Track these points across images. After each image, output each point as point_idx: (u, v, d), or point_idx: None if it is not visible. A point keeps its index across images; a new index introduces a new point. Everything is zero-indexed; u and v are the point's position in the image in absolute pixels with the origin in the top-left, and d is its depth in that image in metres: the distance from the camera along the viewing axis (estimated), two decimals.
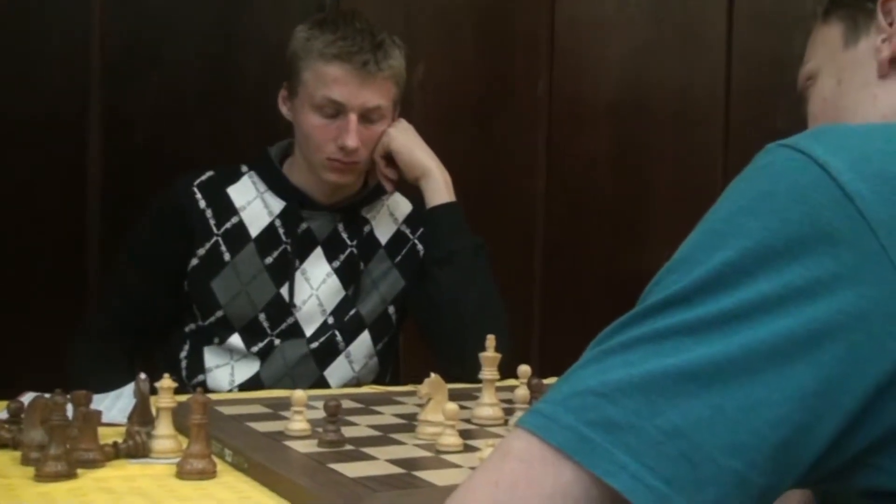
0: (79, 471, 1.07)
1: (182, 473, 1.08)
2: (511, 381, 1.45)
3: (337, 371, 1.77)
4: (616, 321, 0.70)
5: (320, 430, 1.16)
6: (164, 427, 1.17)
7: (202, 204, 1.72)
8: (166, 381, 1.18)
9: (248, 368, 1.74)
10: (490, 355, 1.32)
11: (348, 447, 1.15)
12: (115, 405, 1.42)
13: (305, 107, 1.69)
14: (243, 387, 1.73)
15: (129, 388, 1.51)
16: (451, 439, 1.15)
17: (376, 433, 1.21)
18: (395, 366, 1.94)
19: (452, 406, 1.16)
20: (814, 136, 0.70)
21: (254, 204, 1.74)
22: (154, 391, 1.19)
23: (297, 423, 1.21)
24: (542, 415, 0.66)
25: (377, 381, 1.85)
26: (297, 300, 1.73)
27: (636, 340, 0.67)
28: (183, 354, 1.80)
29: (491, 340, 1.33)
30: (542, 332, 2.51)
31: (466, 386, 1.45)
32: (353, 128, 1.66)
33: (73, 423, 1.12)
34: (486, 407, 1.31)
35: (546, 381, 1.35)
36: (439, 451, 1.14)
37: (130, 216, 1.83)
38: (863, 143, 0.69)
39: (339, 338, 1.77)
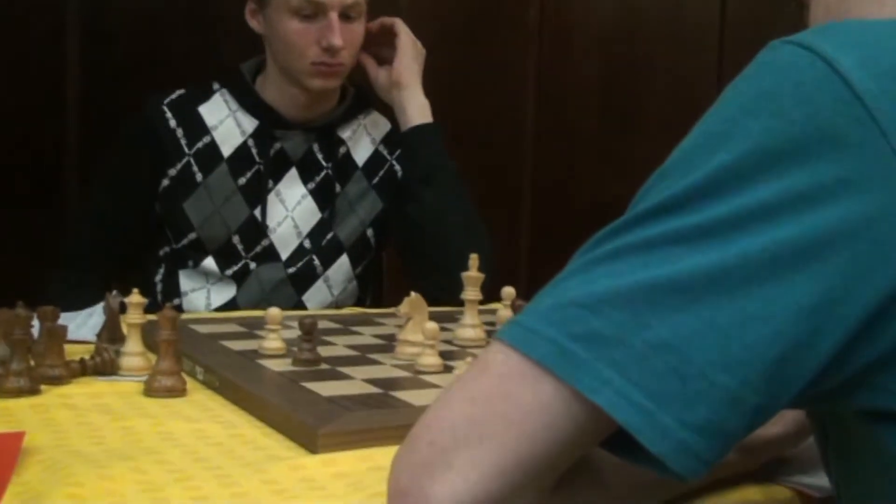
0: (43, 387, 1.02)
1: (150, 391, 1.03)
2: (495, 305, 1.40)
3: (315, 295, 1.73)
4: (604, 229, 0.65)
5: (295, 349, 1.11)
6: (133, 344, 1.12)
7: (172, 123, 1.66)
8: (136, 297, 1.12)
9: (224, 292, 1.69)
10: (473, 275, 1.27)
11: (324, 366, 1.10)
12: (86, 323, 1.37)
13: (282, 13, 1.62)
14: (220, 311, 1.68)
15: (101, 307, 1.46)
16: (431, 359, 1.11)
17: (354, 353, 1.17)
18: (377, 289, 1.90)
19: (432, 325, 1.11)
20: (821, 32, 0.64)
21: (226, 123, 1.68)
22: (124, 309, 1.14)
23: (272, 342, 1.16)
24: (522, 327, 0.61)
25: (357, 305, 1.81)
26: (271, 222, 1.68)
27: (624, 249, 0.62)
28: (158, 278, 1.75)
29: (474, 260, 1.28)
30: (530, 258, 2.47)
31: (448, 308, 1.40)
32: (335, 26, 1.59)
33: (38, 340, 1.08)
34: (468, 328, 1.26)
35: None
36: (418, 371, 1.10)
37: (109, 136, 1.77)
38: (875, 38, 0.63)
39: (316, 262, 1.72)
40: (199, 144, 1.66)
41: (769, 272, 0.59)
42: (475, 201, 1.70)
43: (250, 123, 1.68)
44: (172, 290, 1.73)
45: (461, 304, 1.28)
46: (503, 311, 1.24)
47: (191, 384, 1.06)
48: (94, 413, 0.96)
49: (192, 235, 1.68)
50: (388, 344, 1.21)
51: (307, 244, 1.71)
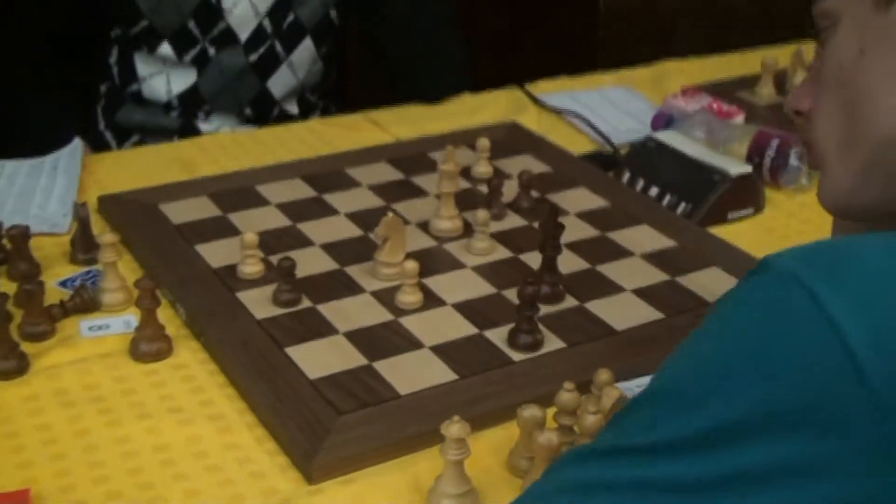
0: (30, 357, 1.02)
1: (136, 356, 1.04)
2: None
3: (280, 80, 1.68)
4: (591, 445, 0.65)
5: (275, 287, 1.11)
6: (111, 280, 1.12)
7: None
8: (108, 237, 1.10)
9: (184, 78, 1.64)
10: (449, 168, 1.23)
11: (305, 304, 1.10)
12: (53, 186, 1.33)
13: None
14: (182, 97, 1.64)
15: (66, 153, 1.42)
16: (411, 297, 1.11)
17: (333, 280, 1.16)
18: (342, 66, 1.83)
19: (412, 265, 1.10)
20: (832, 274, 0.59)
21: None
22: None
23: (251, 266, 1.15)
24: None
25: (322, 86, 1.76)
26: (227, 3, 1.58)
27: (617, 485, 0.62)
28: (112, 60, 1.68)
29: (451, 153, 1.23)
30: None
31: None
32: None
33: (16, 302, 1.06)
34: (445, 220, 1.25)
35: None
36: (400, 308, 1.11)
37: None
38: (893, 297, 0.59)
39: (279, 47, 1.64)
40: None
41: None
42: None
43: None
44: (130, 75, 1.68)
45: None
46: (482, 214, 1.22)
47: (175, 331, 1.07)
48: (85, 405, 0.97)
49: (144, 23, 1.59)
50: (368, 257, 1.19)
51: (267, 25, 1.63)
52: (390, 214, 1.15)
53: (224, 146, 1.51)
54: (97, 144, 1.68)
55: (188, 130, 1.65)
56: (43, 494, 0.87)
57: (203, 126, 1.65)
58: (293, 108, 1.73)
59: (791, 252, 0.63)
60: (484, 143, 1.39)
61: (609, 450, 0.63)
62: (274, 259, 1.18)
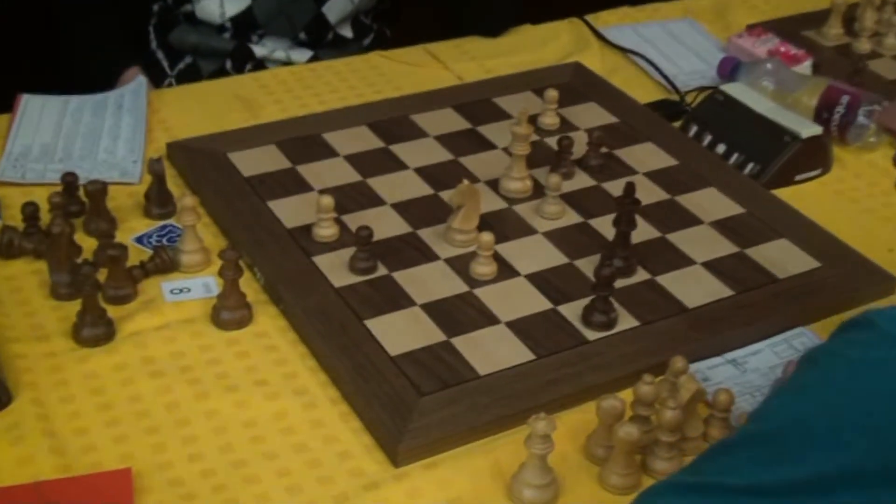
0: (115, 322, 1.06)
1: (218, 323, 1.08)
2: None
3: (335, 5, 1.67)
4: (688, 481, 0.69)
5: (352, 254, 1.14)
6: (189, 242, 1.15)
7: None
8: (188, 200, 1.12)
9: (238, 0, 1.61)
10: (522, 131, 1.24)
11: (381, 272, 1.13)
12: (119, 127, 1.35)
13: None
14: (236, 20, 1.63)
15: (130, 90, 1.43)
16: (485, 268, 1.14)
17: (407, 245, 1.18)
18: None
19: (488, 237, 1.13)
20: None
21: None
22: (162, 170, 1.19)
23: (326, 230, 1.18)
24: None
25: (377, 8, 1.75)
26: None
27: None
28: None
29: (523, 114, 1.23)
30: None
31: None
32: None
33: (95, 259, 1.09)
34: (516, 181, 1.27)
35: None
36: (474, 278, 1.13)
37: None
38: None
39: None
40: None
41: None
42: None
43: None
44: None
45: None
46: (554, 178, 1.23)
47: (255, 297, 1.11)
48: (174, 375, 1.02)
49: None
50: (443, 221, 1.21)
51: None
52: (465, 182, 1.16)
53: (283, 81, 1.51)
54: (149, 64, 1.68)
55: (242, 53, 1.65)
56: (142, 472, 0.92)
57: (256, 49, 1.65)
58: (347, 32, 1.72)
59: (893, 312, 0.66)
60: (552, 94, 1.39)
61: (707, 486, 0.67)
62: (347, 219, 1.20)
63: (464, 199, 1.17)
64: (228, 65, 1.65)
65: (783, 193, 1.32)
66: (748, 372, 1.06)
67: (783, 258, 1.19)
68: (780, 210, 1.28)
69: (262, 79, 1.52)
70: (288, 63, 1.65)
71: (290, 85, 1.50)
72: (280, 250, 1.16)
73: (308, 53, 1.67)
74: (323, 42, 1.69)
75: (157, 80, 1.67)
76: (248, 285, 1.12)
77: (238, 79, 1.54)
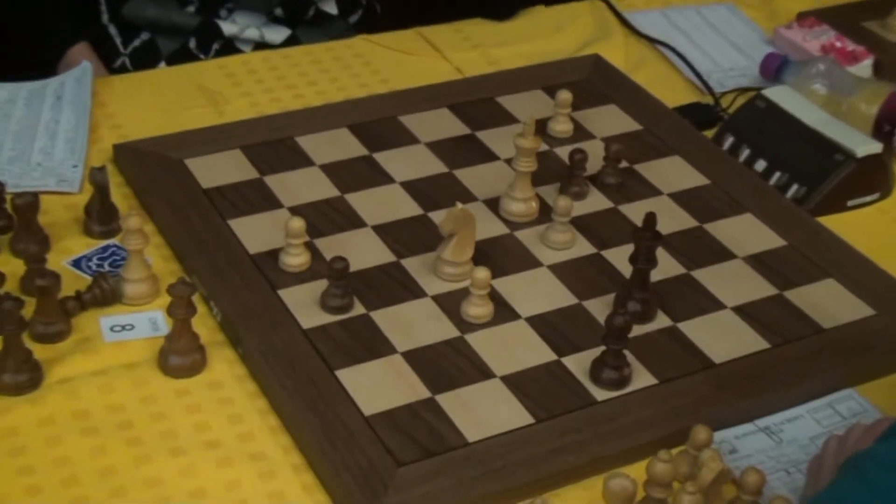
0: (43, 365, 1.04)
1: (166, 370, 1.06)
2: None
3: None
4: None
5: (325, 289, 1.11)
6: (134, 269, 1.12)
7: None
8: (134, 221, 1.10)
9: None
10: (527, 145, 1.21)
11: (357, 310, 1.11)
12: (58, 122, 1.32)
13: None
14: None
15: (73, 78, 1.40)
16: (480, 309, 1.12)
17: (389, 279, 1.16)
18: None
19: (483, 275, 1.10)
20: None
21: None
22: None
23: (294, 258, 1.15)
24: None
25: None
26: None
27: None
28: None
29: (530, 125, 1.20)
30: None
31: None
32: None
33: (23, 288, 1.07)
34: (519, 202, 1.24)
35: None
36: (465, 321, 1.11)
37: None
38: None
39: None
40: None
41: None
42: None
43: None
44: None
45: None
46: (562, 201, 1.20)
47: (210, 336, 1.08)
48: (109, 431, 0.99)
49: None
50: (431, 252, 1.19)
51: None
52: (459, 206, 1.14)
53: (254, 69, 1.49)
54: (98, 40, 1.65)
55: (208, 30, 1.62)
56: None
57: (225, 26, 1.62)
58: (331, 8, 1.69)
59: None
60: (565, 97, 1.36)
61: None
62: (321, 244, 1.18)
63: (457, 225, 1.14)
64: (192, 43, 1.62)
65: (833, 222, 1.29)
66: (784, 443, 1.04)
67: (830, 303, 1.17)
68: (828, 243, 1.25)
69: (229, 66, 1.50)
70: (261, 43, 1.62)
71: (262, 74, 1.48)
72: (241, 281, 1.14)
73: (285, 32, 1.64)
74: (302, 19, 1.66)
75: (108, 58, 1.64)
76: (203, 323, 1.10)
77: (201, 65, 1.52)
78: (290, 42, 1.62)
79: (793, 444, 1.03)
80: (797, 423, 1.06)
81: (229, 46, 1.62)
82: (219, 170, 1.27)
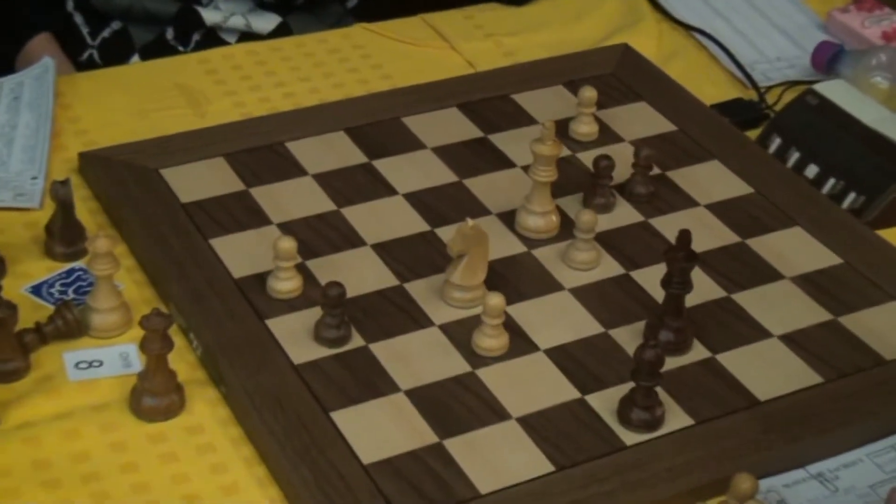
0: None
1: (139, 412, 1.05)
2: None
3: None
4: None
5: (319, 318, 1.11)
6: (103, 297, 1.12)
7: None
8: (102, 243, 1.09)
9: None
10: (546, 152, 1.20)
11: (355, 343, 1.11)
12: (15, 128, 1.33)
13: None
14: None
15: (32, 76, 1.41)
16: (493, 341, 1.11)
17: (391, 305, 1.16)
18: None
19: (497, 301, 1.10)
20: None
21: None
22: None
23: (285, 283, 1.15)
24: None
25: None
26: None
27: None
28: None
29: (549, 128, 1.20)
30: None
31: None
32: None
33: None
34: (537, 216, 1.24)
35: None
36: (477, 353, 1.11)
37: None
38: None
39: None
40: None
41: None
42: None
43: None
44: None
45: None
46: (586, 216, 1.20)
47: (186, 370, 1.08)
48: (74, 488, 0.99)
49: None
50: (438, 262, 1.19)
51: None
52: (469, 222, 1.13)
53: (239, 65, 1.49)
54: (63, 31, 1.66)
55: (187, 19, 1.63)
56: None
57: (207, 14, 1.62)
58: None
59: None
60: (589, 95, 1.36)
61: None
62: (315, 266, 1.19)
63: (467, 244, 1.14)
64: (169, 34, 1.63)
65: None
66: (840, 492, 1.03)
67: (893, 330, 1.17)
68: (890, 261, 1.25)
69: (211, 60, 1.50)
70: (248, 33, 1.63)
71: (248, 70, 1.48)
72: (224, 309, 1.14)
73: (274, 20, 1.64)
74: (293, 3, 1.66)
75: (73, 52, 1.65)
76: (181, 358, 1.09)
77: (179, 60, 1.52)
78: (280, 31, 1.62)
79: (850, 493, 1.03)
80: (855, 469, 1.05)
81: (211, 37, 1.62)
82: (199, 181, 1.27)
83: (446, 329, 1.14)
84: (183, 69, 1.48)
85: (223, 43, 1.61)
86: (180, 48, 1.61)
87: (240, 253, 1.19)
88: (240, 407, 1.06)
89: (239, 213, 1.24)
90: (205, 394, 1.08)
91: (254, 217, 1.24)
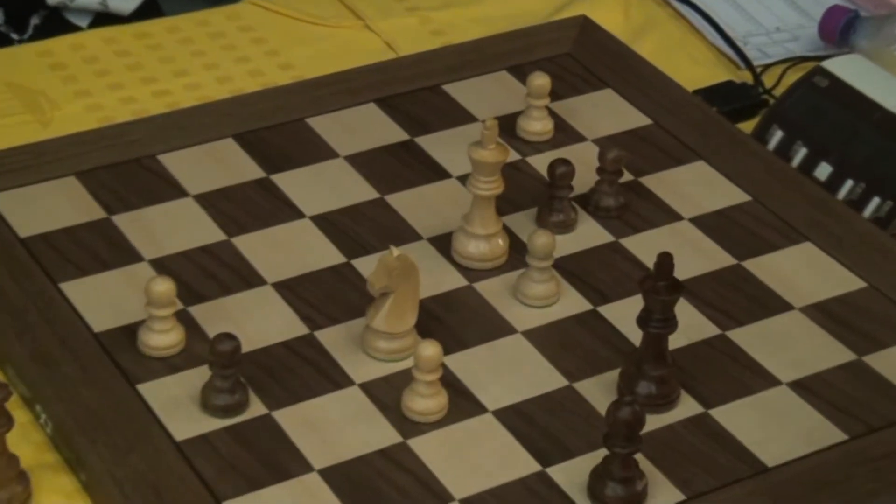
0: None
1: None
2: None
3: None
4: None
5: (207, 380, 1.11)
6: None
7: None
8: None
9: None
10: (489, 158, 1.21)
11: (254, 412, 1.11)
12: None
13: None
14: None
15: None
16: (429, 402, 1.11)
17: (299, 360, 1.16)
18: None
19: (432, 352, 1.10)
20: None
21: None
22: None
23: (160, 337, 1.15)
24: None
25: None
26: None
27: None
28: None
29: (491, 130, 1.21)
30: None
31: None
32: None
33: None
34: (480, 240, 1.25)
35: None
36: (409, 418, 1.12)
37: None
38: None
39: None
40: None
41: None
42: None
43: None
44: None
45: None
46: (541, 238, 1.20)
47: (31, 454, 1.07)
48: None
49: None
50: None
51: None
52: (394, 251, 1.14)
53: (93, 56, 1.50)
54: None
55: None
56: None
57: None
58: None
59: None
60: (540, 83, 1.37)
61: None
62: (199, 313, 1.18)
63: (392, 280, 1.14)
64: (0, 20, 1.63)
65: None
66: None
67: None
68: None
69: (56, 52, 1.50)
70: (104, 15, 1.63)
71: (105, 63, 1.48)
72: (81, 373, 1.13)
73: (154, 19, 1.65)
74: None
75: None
76: (25, 438, 1.09)
77: (13, 52, 1.53)
78: (145, 12, 1.63)
79: None
80: None
81: (55, 21, 1.63)
82: (44, 208, 1.27)
83: (369, 388, 1.14)
84: (18, 64, 1.48)
85: (72, 28, 1.61)
86: (13, 36, 1.62)
87: (101, 300, 1.19)
88: (105, 498, 1.05)
89: (98, 249, 1.24)
90: (58, 482, 1.07)
91: (118, 253, 1.23)
